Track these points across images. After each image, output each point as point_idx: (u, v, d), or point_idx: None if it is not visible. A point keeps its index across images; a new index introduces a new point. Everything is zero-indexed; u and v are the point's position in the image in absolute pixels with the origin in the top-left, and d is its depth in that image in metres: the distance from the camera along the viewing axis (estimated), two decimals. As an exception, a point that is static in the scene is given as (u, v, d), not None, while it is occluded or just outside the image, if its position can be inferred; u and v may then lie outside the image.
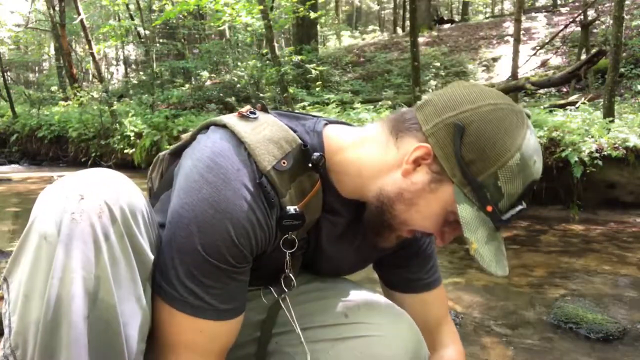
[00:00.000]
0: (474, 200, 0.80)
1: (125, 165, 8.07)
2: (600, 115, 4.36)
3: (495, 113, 0.80)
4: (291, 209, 0.83)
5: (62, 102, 11.89)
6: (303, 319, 0.97)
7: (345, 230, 0.95)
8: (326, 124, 0.93)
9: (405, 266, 1.06)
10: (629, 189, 3.79)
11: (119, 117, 8.88)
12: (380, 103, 7.23)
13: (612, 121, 4.16)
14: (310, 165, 0.85)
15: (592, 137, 3.86)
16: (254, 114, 0.88)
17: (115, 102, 9.92)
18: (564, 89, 7.80)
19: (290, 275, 0.91)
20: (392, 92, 9.28)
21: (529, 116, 0.84)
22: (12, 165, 9.87)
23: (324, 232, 0.94)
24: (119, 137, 8.50)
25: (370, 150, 0.87)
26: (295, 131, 0.87)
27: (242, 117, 0.87)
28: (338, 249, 0.98)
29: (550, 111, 4.69)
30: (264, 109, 0.91)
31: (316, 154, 0.85)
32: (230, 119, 0.87)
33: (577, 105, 5.31)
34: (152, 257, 0.77)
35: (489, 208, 0.80)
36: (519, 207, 0.82)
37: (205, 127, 0.90)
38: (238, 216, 0.78)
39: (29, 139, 10.64)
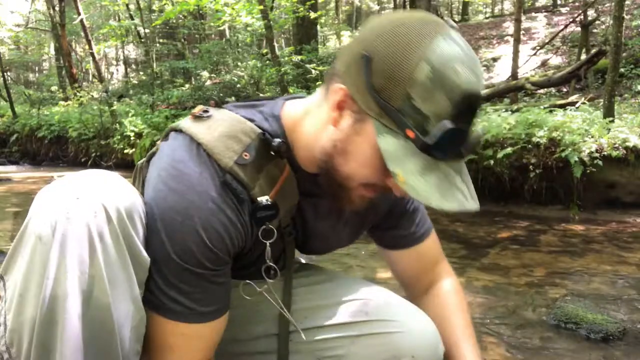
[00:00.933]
0: (397, 130, 0.73)
1: (126, 165, 8.06)
2: (600, 115, 4.36)
3: (399, 29, 0.73)
4: (263, 200, 0.83)
5: (62, 102, 11.89)
6: (321, 316, 0.99)
7: (328, 208, 0.95)
8: (284, 104, 0.90)
9: (396, 226, 1.08)
10: (629, 189, 3.79)
11: (119, 117, 8.88)
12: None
13: (612, 121, 4.16)
14: (273, 153, 0.84)
15: (592, 137, 3.86)
16: (207, 112, 0.87)
17: (115, 102, 9.92)
18: (564, 89, 7.80)
19: (272, 264, 0.90)
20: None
21: (454, 27, 0.76)
22: (12, 165, 9.86)
23: (308, 215, 0.94)
24: (119, 137, 8.50)
25: (312, 115, 0.85)
26: (252, 121, 0.86)
27: (196, 118, 0.86)
28: (326, 227, 0.98)
29: (550, 111, 4.69)
30: (218, 105, 0.90)
31: (277, 141, 0.84)
32: (185, 122, 0.86)
33: (577, 105, 5.31)
34: (148, 258, 0.77)
35: (410, 133, 0.72)
36: (449, 127, 0.70)
37: (167, 134, 0.90)
38: (207, 219, 0.78)
39: (29, 139, 10.65)
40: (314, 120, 0.84)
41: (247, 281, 0.92)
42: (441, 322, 1.04)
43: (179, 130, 0.86)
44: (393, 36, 0.73)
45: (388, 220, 1.07)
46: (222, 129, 0.83)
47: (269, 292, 0.93)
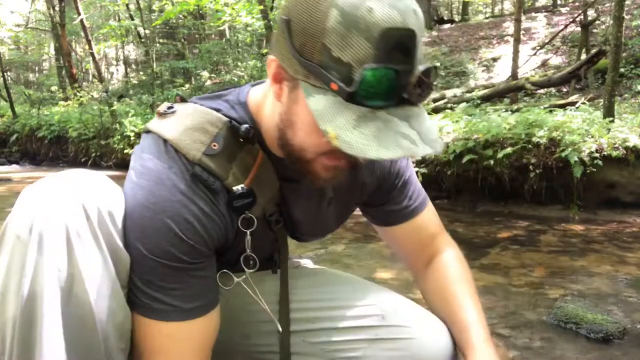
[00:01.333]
0: (324, 86, 0.69)
1: (125, 166, 7.99)
2: (600, 115, 4.36)
3: None
4: (239, 188, 0.81)
5: (62, 102, 11.90)
6: (336, 317, 0.97)
7: (308, 190, 0.92)
8: (250, 89, 0.89)
9: (387, 201, 1.03)
10: (629, 189, 3.79)
11: (119, 117, 8.88)
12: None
13: (612, 121, 4.16)
14: (242, 140, 0.83)
15: (592, 137, 3.86)
16: (172, 108, 0.86)
17: (115, 102, 9.92)
18: (564, 89, 7.80)
19: (251, 254, 0.89)
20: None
21: None
22: (12, 165, 9.87)
23: (291, 200, 0.92)
24: (119, 137, 8.50)
25: (269, 96, 0.83)
26: (219, 110, 0.85)
27: (161, 115, 0.85)
28: (311, 210, 0.96)
29: (550, 111, 4.69)
30: (183, 100, 0.89)
31: (244, 127, 0.82)
32: (152, 121, 0.86)
33: (577, 105, 5.32)
34: (129, 255, 0.77)
35: (334, 86, 0.68)
36: (368, 68, 0.66)
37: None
38: (178, 211, 0.77)
39: (29, 139, 10.65)
40: (270, 100, 0.82)
41: (224, 270, 0.90)
42: (442, 293, 1.01)
43: (148, 131, 0.86)
44: None
45: (377, 196, 1.03)
46: (188, 122, 0.82)
47: (247, 282, 0.91)
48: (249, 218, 0.85)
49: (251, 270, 0.91)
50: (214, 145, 0.81)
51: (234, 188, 0.81)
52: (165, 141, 0.81)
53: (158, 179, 0.78)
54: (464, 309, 0.97)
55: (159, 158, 0.80)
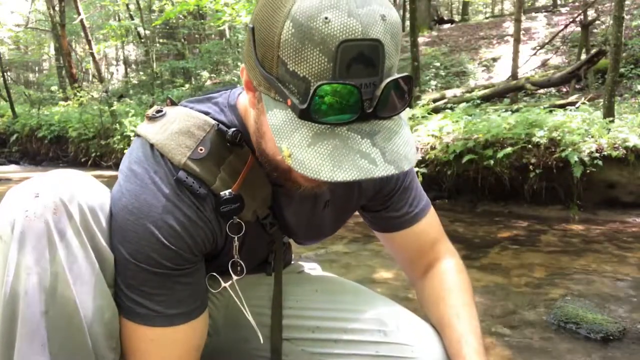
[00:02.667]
0: (282, 100, 0.66)
1: (125, 165, 8.05)
2: (600, 115, 4.36)
3: None
4: (226, 193, 0.79)
5: (62, 102, 11.90)
6: (337, 329, 0.95)
7: (300, 194, 0.89)
8: (241, 92, 0.87)
9: (386, 207, 1.00)
10: (629, 189, 3.79)
11: (119, 117, 8.88)
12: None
13: (612, 121, 4.16)
14: (229, 144, 0.80)
15: (592, 137, 3.86)
16: (161, 111, 0.84)
17: (115, 102, 9.92)
18: (564, 89, 7.80)
19: (239, 260, 0.87)
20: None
21: None
22: (12, 165, 9.87)
23: (283, 204, 0.90)
24: (119, 137, 8.50)
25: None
26: (207, 113, 0.83)
27: (150, 119, 0.84)
28: (305, 214, 0.94)
29: (550, 111, 4.69)
30: (173, 103, 0.88)
31: (231, 130, 0.80)
32: (141, 125, 0.85)
33: (577, 105, 5.31)
34: (112, 254, 0.77)
35: (288, 101, 0.65)
36: (318, 85, 0.62)
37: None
38: (160, 217, 0.75)
39: (29, 139, 10.65)
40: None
41: (212, 273, 0.89)
42: (437, 302, 0.98)
43: (138, 134, 0.85)
44: (264, 3, 0.67)
45: (376, 202, 1.00)
46: (174, 126, 0.80)
47: (233, 289, 0.90)
48: (238, 223, 0.83)
49: (237, 278, 0.89)
50: (201, 150, 0.79)
51: (221, 193, 0.79)
52: (152, 145, 0.79)
53: (143, 184, 0.77)
54: (458, 320, 0.93)
55: (145, 162, 0.78)
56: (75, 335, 0.72)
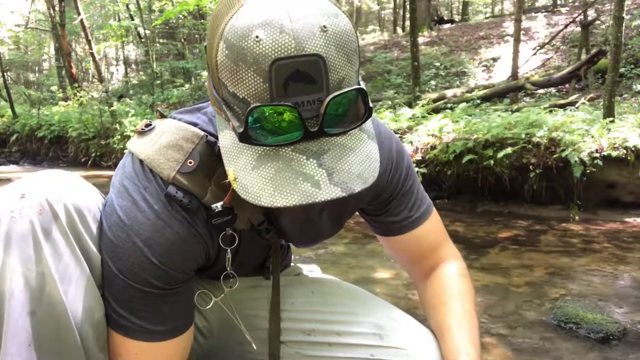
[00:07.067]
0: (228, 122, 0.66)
1: (125, 165, 8.05)
2: (600, 115, 4.36)
3: (217, 7, 0.66)
4: (218, 205, 0.76)
5: (62, 102, 11.90)
6: (332, 332, 0.95)
7: None
8: None
9: (385, 211, 0.98)
10: (629, 189, 3.79)
11: (119, 117, 8.88)
12: (380, 103, 7.23)
13: (612, 121, 4.16)
14: (217, 155, 0.77)
15: (592, 137, 3.86)
16: (150, 125, 0.83)
17: (115, 102, 9.92)
18: (564, 89, 7.80)
19: (231, 271, 0.86)
20: (392, 92, 9.28)
21: None
22: (12, 165, 9.86)
23: (276, 210, 0.88)
24: (119, 137, 8.50)
25: None
26: (196, 124, 0.80)
27: (139, 133, 0.82)
28: (299, 219, 0.92)
29: (550, 111, 4.69)
30: (163, 116, 0.87)
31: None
32: (131, 140, 0.84)
33: (577, 105, 5.32)
34: (99, 254, 0.77)
35: (230, 124, 0.64)
36: (252, 107, 0.60)
37: None
38: (151, 235, 0.74)
39: (29, 139, 10.65)
40: None
41: (204, 290, 0.88)
42: (438, 307, 0.96)
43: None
44: (213, 18, 0.66)
45: (375, 206, 0.98)
46: (163, 140, 0.79)
47: (224, 301, 0.89)
48: (231, 235, 0.82)
49: (229, 290, 0.89)
50: (190, 163, 0.77)
51: (213, 206, 0.77)
52: (141, 161, 0.78)
53: (134, 201, 0.76)
54: (458, 327, 0.91)
55: (136, 179, 0.77)
56: (65, 336, 0.72)
